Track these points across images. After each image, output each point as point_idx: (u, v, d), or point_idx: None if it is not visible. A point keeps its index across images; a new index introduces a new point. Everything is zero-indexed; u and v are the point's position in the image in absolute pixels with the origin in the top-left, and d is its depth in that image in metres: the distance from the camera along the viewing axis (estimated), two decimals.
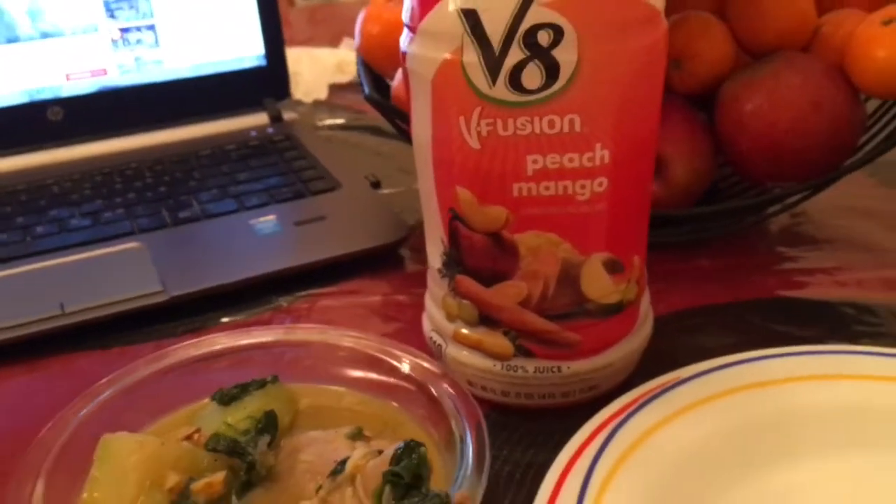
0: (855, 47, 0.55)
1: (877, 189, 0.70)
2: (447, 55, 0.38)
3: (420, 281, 0.58)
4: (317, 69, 0.94)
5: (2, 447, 0.45)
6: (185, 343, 0.42)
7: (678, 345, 0.52)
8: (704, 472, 0.41)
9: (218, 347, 0.42)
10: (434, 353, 0.48)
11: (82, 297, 0.53)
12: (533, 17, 0.36)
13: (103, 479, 0.35)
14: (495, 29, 0.37)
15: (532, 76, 0.37)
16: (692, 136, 0.60)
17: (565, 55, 0.37)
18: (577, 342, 0.44)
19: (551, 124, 0.39)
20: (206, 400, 0.40)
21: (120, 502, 0.34)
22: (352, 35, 1.06)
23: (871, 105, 0.61)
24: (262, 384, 0.40)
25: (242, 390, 0.39)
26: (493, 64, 0.38)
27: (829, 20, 0.59)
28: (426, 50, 0.40)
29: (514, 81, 0.38)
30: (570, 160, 0.40)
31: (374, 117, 0.88)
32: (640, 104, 0.40)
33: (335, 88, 0.95)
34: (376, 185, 0.69)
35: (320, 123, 0.88)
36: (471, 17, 0.37)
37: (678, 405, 0.44)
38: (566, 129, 0.39)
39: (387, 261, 0.61)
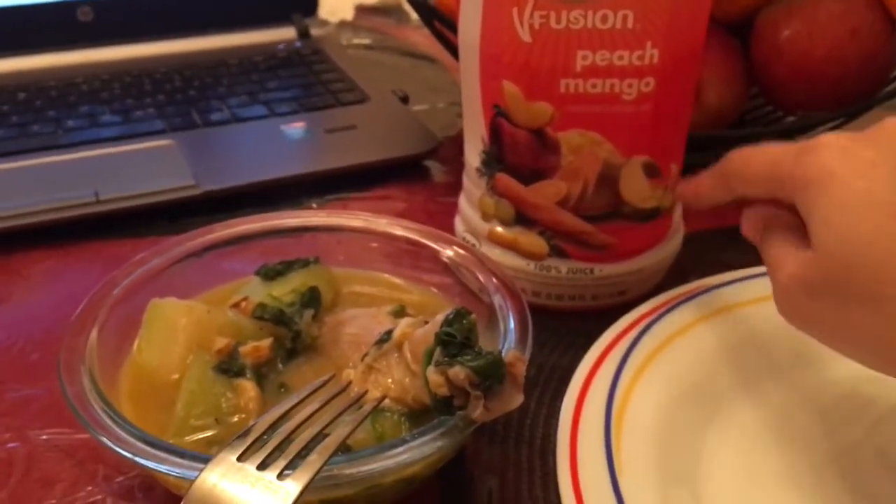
0: None
1: None
2: None
3: (448, 191, 0.58)
4: None
5: (46, 321, 0.46)
6: (226, 222, 0.42)
7: (703, 259, 0.53)
8: (729, 372, 0.42)
9: (259, 226, 0.42)
10: None
11: (116, 187, 0.54)
12: None
13: (153, 339, 0.36)
14: None
15: None
16: (726, 61, 0.60)
17: None
18: (612, 244, 0.45)
19: (604, 19, 0.39)
20: (251, 277, 0.40)
21: (169, 361, 0.35)
22: None
23: None
24: (305, 263, 0.40)
25: (287, 267, 0.40)
26: None
27: None
28: None
29: None
30: (620, 57, 0.40)
31: (401, 40, 0.88)
32: (691, 6, 0.40)
33: (361, 10, 0.95)
34: (404, 99, 0.69)
35: (346, 43, 0.87)
36: None
37: (704, 311, 0.45)
38: (618, 24, 0.39)
39: (414, 171, 0.62)
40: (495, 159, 0.45)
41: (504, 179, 0.45)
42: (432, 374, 0.30)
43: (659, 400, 0.39)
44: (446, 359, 0.29)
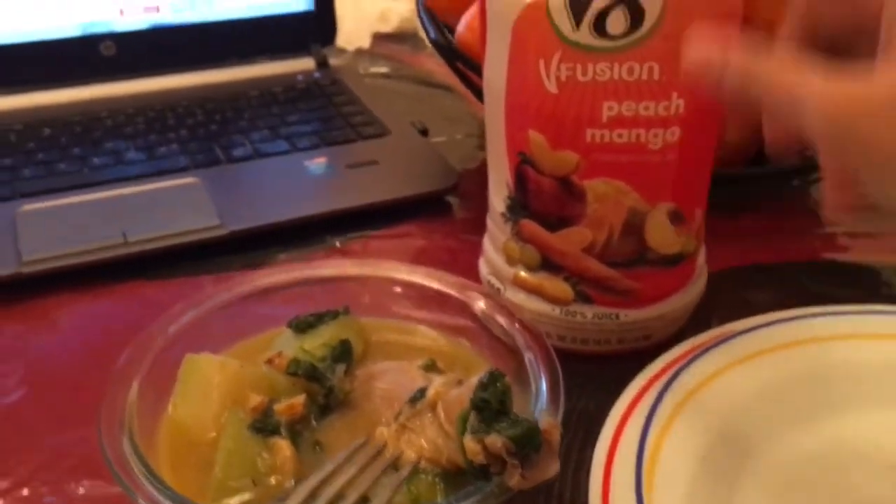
0: None
1: None
2: None
3: (469, 227, 0.59)
4: (360, 17, 0.94)
5: (76, 366, 0.47)
6: (257, 272, 0.43)
7: (726, 300, 0.53)
8: (759, 420, 0.42)
9: (289, 277, 0.43)
10: None
11: (144, 228, 0.54)
12: None
13: (188, 396, 0.36)
14: None
15: (617, 21, 0.38)
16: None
17: (651, 1, 0.37)
18: (637, 290, 0.45)
19: (630, 71, 0.39)
20: (282, 328, 0.41)
21: (205, 418, 0.36)
22: None
23: None
24: (335, 315, 0.41)
25: (318, 319, 0.40)
26: (578, 7, 0.38)
27: None
28: None
29: (599, 26, 0.38)
30: (646, 108, 0.40)
31: (418, 68, 0.89)
32: None
33: (377, 38, 0.95)
34: (424, 132, 0.70)
35: (363, 72, 0.88)
36: None
37: (732, 357, 0.45)
38: (645, 76, 0.39)
39: (436, 207, 0.62)
40: (520, 206, 0.45)
41: (529, 226, 0.45)
42: (469, 442, 0.30)
43: (688, 454, 0.39)
44: (482, 426, 0.30)
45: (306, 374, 0.37)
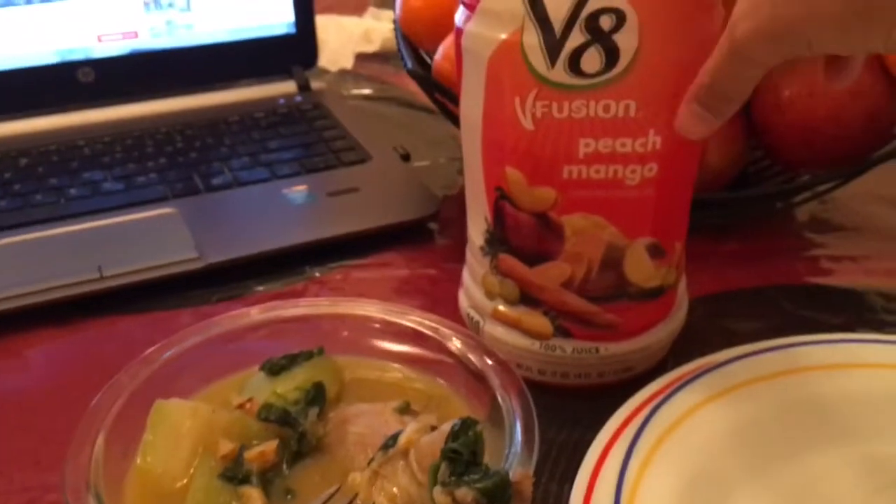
0: None
1: None
2: (506, 35, 0.38)
3: (449, 255, 0.58)
4: (343, 37, 0.94)
5: (50, 405, 0.46)
6: (231, 314, 0.42)
7: (709, 327, 0.53)
8: (739, 455, 0.42)
9: (263, 318, 0.42)
10: (471, 329, 0.48)
11: (120, 262, 0.54)
12: (596, 1, 0.36)
13: (157, 444, 0.36)
14: (557, 11, 0.37)
15: (591, 60, 0.38)
16: (728, 121, 0.60)
17: (626, 40, 0.37)
18: (616, 324, 0.45)
19: (606, 108, 0.39)
20: (255, 369, 0.40)
21: (174, 466, 0.35)
22: (376, 3, 1.05)
23: None
24: (309, 356, 0.40)
25: (291, 361, 0.40)
26: (553, 46, 0.38)
27: None
28: (484, 29, 0.40)
29: (573, 65, 0.38)
30: (623, 145, 0.40)
31: (401, 89, 0.88)
32: None
33: (361, 58, 0.95)
34: (406, 157, 0.69)
35: (346, 93, 0.87)
36: None
37: (712, 390, 0.45)
38: (621, 113, 0.39)
39: (417, 234, 0.62)
40: (499, 240, 0.45)
41: (508, 260, 0.45)
42: (439, 495, 0.29)
43: (667, 489, 0.39)
44: (453, 478, 0.29)
45: (278, 419, 0.36)
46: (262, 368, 0.40)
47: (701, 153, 0.44)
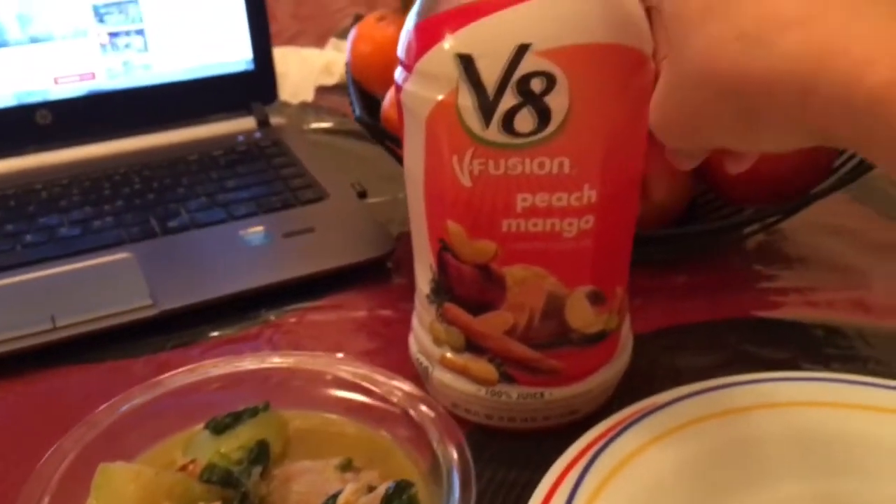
0: None
1: (850, 205, 0.72)
2: (442, 96, 0.39)
3: (404, 295, 0.59)
4: (304, 70, 0.95)
5: (1, 463, 0.46)
6: (178, 371, 0.43)
7: (655, 365, 0.54)
8: (682, 497, 0.43)
9: (212, 374, 0.43)
10: (421, 373, 0.49)
11: (74, 311, 0.54)
12: (527, 65, 0.37)
13: None
14: (490, 75, 0.38)
15: (524, 121, 0.39)
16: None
17: (557, 101, 0.38)
18: (560, 370, 0.46)
19: (541, 166, 0.40)
20: (200, 426, 0.41)
21: None
22: (338, 34, 1.06)
23: None
24: (254, 412, 0.41)
25: (235, 419, 0.40)
26: (486, 108, 0.39)
27: None
28: (421, 89, 0.40)
29: (507, 125, 0.39)
30: (559, 199, 0.41)
31: None
32: (627, 145, 0.42)
33: (322, 90, 0.96)
34: (362, 194, 0.70)
35: (307, 127, 0.88)
36: (466, 63, 0.38)
37: (655, 432, 0.45)
38: (555, 170, 0.40)
39: (372, 273, 0.63)
40: (444, 289, 0.46)
41: (453, 309, 0.46)
42: None
43: None
44: None
45: (221, 480, 0.37)
46: (206, 427, 0.40)
47: (638, 203, 0.45)
